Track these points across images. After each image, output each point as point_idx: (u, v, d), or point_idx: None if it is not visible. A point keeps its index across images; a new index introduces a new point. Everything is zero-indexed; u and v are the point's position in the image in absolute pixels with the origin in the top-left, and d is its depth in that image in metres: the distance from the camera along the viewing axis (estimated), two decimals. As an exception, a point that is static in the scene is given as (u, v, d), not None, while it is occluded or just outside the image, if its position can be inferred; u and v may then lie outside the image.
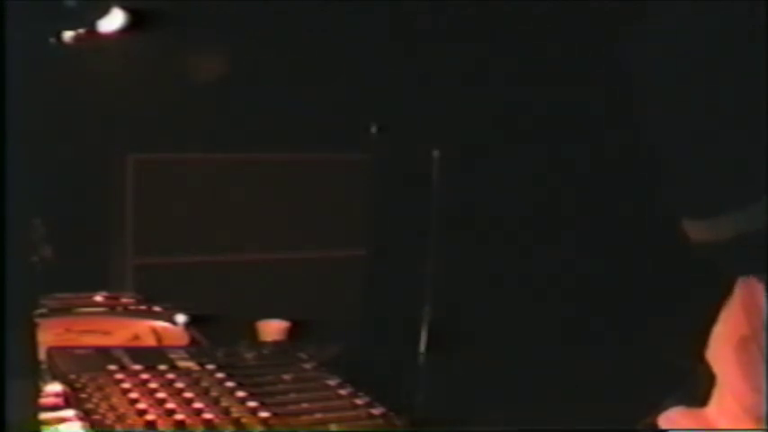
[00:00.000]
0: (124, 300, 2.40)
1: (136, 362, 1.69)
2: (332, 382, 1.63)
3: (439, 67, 4.11)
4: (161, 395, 1.50)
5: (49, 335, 1.97)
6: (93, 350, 1.80)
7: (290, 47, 4.08)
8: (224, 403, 1.47)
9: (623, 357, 3.88)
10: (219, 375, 1.62)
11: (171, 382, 1.59)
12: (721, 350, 1.36)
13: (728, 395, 1.32)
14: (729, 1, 1.26)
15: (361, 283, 4.14)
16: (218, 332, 2.10)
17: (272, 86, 4.08)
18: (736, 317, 1.34)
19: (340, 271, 4.12)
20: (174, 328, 2.15)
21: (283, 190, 4.12)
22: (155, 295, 2.41)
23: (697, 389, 1.32)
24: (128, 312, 2.29)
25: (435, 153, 3.66)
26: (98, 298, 2.38)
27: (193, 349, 1.91)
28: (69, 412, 1.46)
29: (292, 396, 1.53)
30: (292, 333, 2.73)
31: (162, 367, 1.67)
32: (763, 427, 1.18)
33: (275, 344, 2.39)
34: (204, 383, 1.58)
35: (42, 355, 1.73)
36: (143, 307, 2.33)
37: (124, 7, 2.16)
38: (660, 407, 1.33)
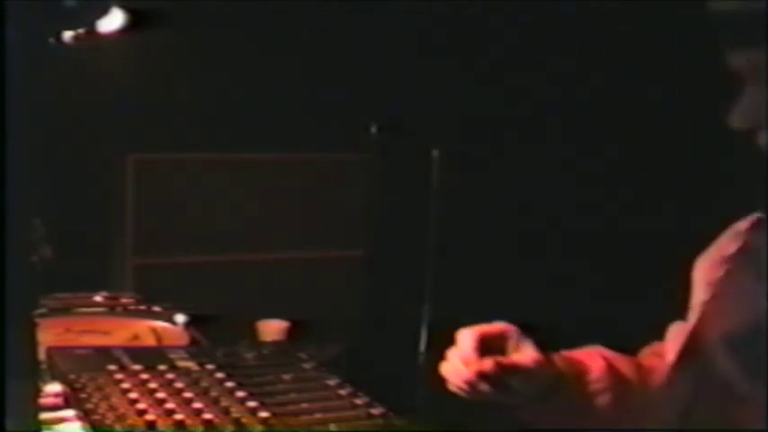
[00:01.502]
0: (124, 300, 2.40)
1: (136, 362, 1.69)
2: (332, 382, 1.63)
3: (439, 67, 4.11)
4: (161, 395, 1.50)
5: (49, 335, 1.97)
6: (92, 350, 1.80)
7: (290, 47, 4.09)
8: (224, 403, 1.47)
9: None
10: (219, 375, 1.62)
11: (171, 382, 1.59)
12: None
13: None
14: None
15: (361, 283, 4.14)
16: (218, 332, 2.10)
17: (272, 86, 4.08)
18: None
19: (340, 271, 4.12)
20: (173, 328, 2.15)
21: (283, 190, 4.12)
22: (155, 295, 2.41)
23: None
24: (128, 312, 2.29)
25: (435, 153, 3.66)
26: (98, 298, 2.38)
27: (193, 349, 1.91)
28: (69, 412, 1.46)
29: (292, 396, 1.53)
30: (292, 333, 2.73)
31: (162, 367, 1.67)
32: None
33: (275, 344, 2.40)
34: (204, 383, 1.58)
35: (42, 355, 1.73)
36: (143, 307, 2.33)
37: (124, 7, 2.16)
38: None
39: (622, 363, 1.51)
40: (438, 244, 3.53)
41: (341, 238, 4.17)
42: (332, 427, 1.39)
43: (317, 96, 4.09)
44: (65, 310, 2.25)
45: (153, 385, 1.56)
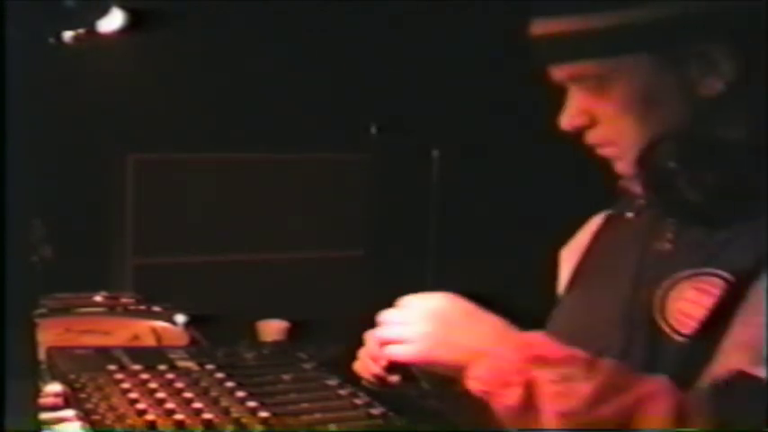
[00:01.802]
0: (124, 300, 2.40)
1: (136, 362, 1.68)
2: (332, 382, 1.62)
3: (439, 67, 4.11)
4: (161, 395, 1.50)
5: (49, 335, 1.97)
6: (92, 350, 1.80)
7: (290, 46, 4.09)
8: (224, 403, 1.47)
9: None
10: (219, 375, 1.62)
11: (171, 382, 1.58)
12: None
13: None
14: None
15: (361, 283, 4.14)
16: (218, 332, 2.10)
17: (272, 86, 4.08)
18: None
19: (340, 271, 4.13)
20: (173, 328, 2.15)
21: (283, 190, 4.12)
22: (155, 295, 2.41)
23: None
24: (128, 312, 2.29)
25: (435, 153, 3.66)
26: (98, 298, 2.38)
27: (193, 349, 1.90)
28: (69, 412, 1.46)
29: (292, 396, 1.53)
30: (292, 333, 2.73)
31: (162, 367, 1.66)
32: None
33: (275, 344, 2.40)
34: (204, 383, 1.58)
35: (42, 355, 1.73)
36: (143, 307, 2.33)
37: (124, 7, 2.16)
38: None
39: None
40: (438, 244, 3.54)
41: (341, 238, 4.17)
42: (332, 427, 1.39)
43: (317, 96, 4.09)
44: (65, 310, 2.25)
45: (153, 385, 1.56)
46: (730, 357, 1.24)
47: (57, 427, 1.41)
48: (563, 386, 1.24)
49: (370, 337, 1.58)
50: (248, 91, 4.06)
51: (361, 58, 4.08)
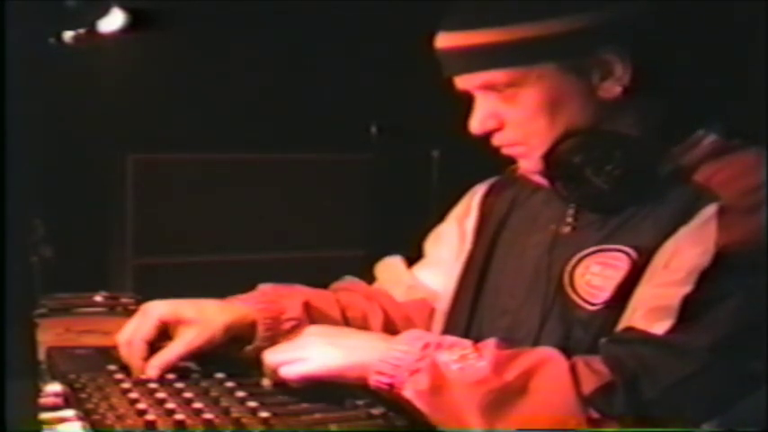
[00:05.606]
0: (124, 300, 2.39)
1: (136, 362, 1.68)
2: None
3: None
4: (161, 395, 1.50)
5: (49, 335, 1.97)
6: (92, 350, 1.80)
7: (291, 46, 4.08)
8: (224, 403, 1.47)
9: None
10: (219, 375, 1.62)
11: (171, 382, 1.59)
12: None
13: None
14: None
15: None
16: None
17: (272, 86, 4.08)
18: None
19: (340, 271, 4.12)
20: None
21: (284, 190, 4.12)
22: (155, 295, 2.41)
23: None
24: (128, 312, 2.28)
25: (435, 153, 3.66)
26: (98, 298, 2.37)
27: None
28: (69, 412, 1.46)
29: (292, 396, 1.53)
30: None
31: (162, 367, 1.66)
32: None
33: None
34: (204, 383, 1.58)
35: (42, 355, 1.73)
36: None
37: (124, 7, 2.16)
38: None
39: (321, 299, 1.86)
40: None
41: (341, 238, 4.17)
42: (332, 427, 1.39)
43: (317, 96, 4.09)
44: (65, 310, 2.25)
45: (153, 385, 1.56)
46: (631, 319, 1.39)
47: (57, 427, 1.41)
48: (463, 364, 1.37)
49: (129, 346, 1.64)
50: (248, 91, 4.06)
51: (362, 58, 4.08)
